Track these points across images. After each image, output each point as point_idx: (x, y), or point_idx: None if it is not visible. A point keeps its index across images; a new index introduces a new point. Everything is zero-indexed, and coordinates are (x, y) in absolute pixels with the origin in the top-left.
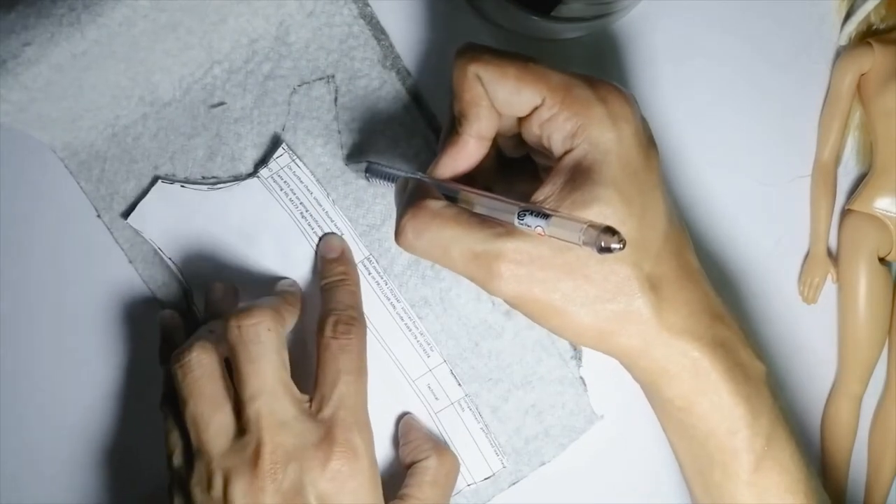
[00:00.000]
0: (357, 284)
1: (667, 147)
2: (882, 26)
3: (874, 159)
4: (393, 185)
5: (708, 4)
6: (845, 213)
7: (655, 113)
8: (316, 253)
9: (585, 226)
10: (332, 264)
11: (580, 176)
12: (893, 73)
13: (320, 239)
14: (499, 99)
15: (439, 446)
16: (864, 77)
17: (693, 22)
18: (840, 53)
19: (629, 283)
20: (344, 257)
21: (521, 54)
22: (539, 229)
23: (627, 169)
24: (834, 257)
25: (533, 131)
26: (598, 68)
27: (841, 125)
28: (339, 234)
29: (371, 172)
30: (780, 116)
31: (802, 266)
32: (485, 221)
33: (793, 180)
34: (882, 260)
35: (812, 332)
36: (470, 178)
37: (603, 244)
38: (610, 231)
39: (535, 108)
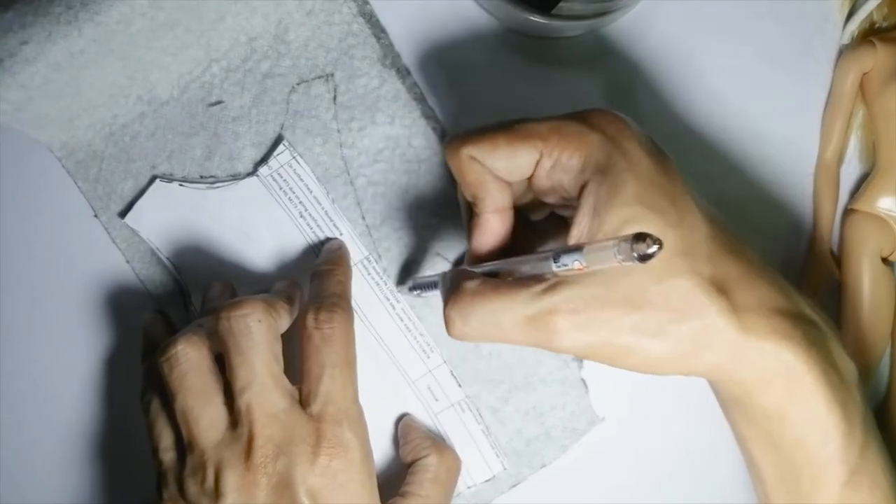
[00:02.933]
0: (346, 276)
1: (667, 146)
2: (885, 25)
3: (877, 158)
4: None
5: (709, 3)
6: (848, 212)
7: (656, 112)
8: (316, 256)
9: (617, 242)
10: (325, 258)
11: (603, 205)
12: None
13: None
14: (500, 169)
15: (439, 444)
16: (866, 76)
17: (694, 20)
18: (843, 52)
19: (694, 294)
20: (339, 253)
21: (503, 121)
22: (577, 264)
23: (647, 182)
24: (837, 257)
25: (543, 185)
26: (599, 67)
27: (844, 124)
28: (339, 234)
29: (418, 288)
30: (782, 115)
31: (804, 266)
32: (526, 283)
33: (795, 179)
34: (885, 260)
35: None
36: (509, 252)
37: (640, 252)
38: (641, 237)
39: (538, 163)
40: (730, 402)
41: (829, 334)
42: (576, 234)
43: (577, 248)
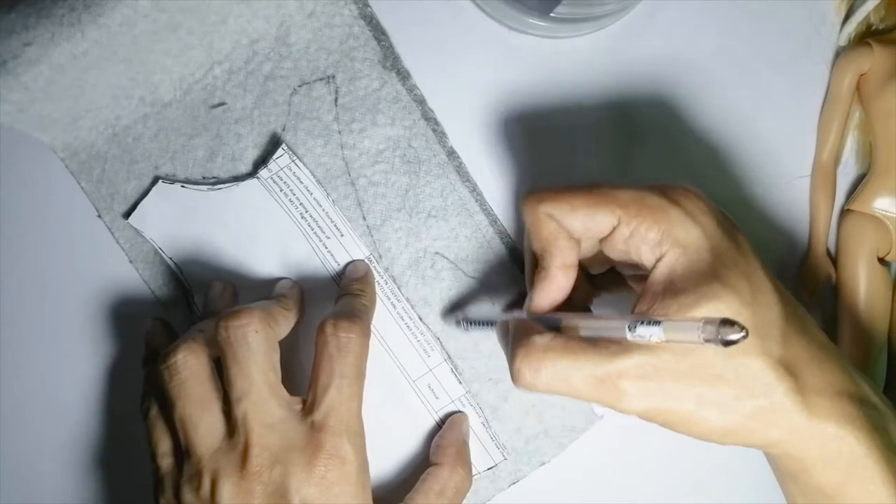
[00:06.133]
0: (372, 301)
1: (665, 148)
2: (881, 26)
3: (873, 159)
4: (492, 329)
5: (707, 5)
6: (845, 213)
7: (653, 114)
8: (318, 257)
9: (702, 323)
10: (352, 282)
11: (679, 279)
12: (893, 73)
13: (347, 265)
14: (576, 229)
15: (462, 458)
16: (863, 77)
17: (692, 22)
18: (839, 54)
19: (763, 374)
20: (366, 279)
21: (583, 183)
22: (654, 338)
23: (724, 260)
24: (834, 257)
25: (618, 248)
26: (597, 69)
27: (840, 125)
28: (339, 235)
29: (468, 323)
30: (779, 117)
31: (801, 266)
32: (597, 344)
33: (792, 180)
34: (881, 260)
35: None
36: (565, 301)
37: (725, 337)
38: (728, 322)
39: (614, 228)
40: (787, 476)
41: (891, 416)
42: (647, 303)
43: (656, 322)
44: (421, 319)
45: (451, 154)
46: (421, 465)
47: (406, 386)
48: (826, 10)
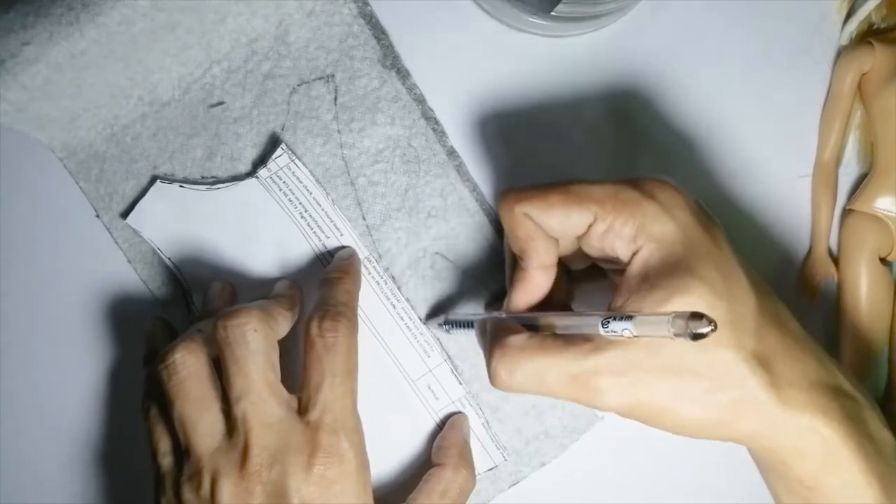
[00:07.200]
0: (355, 284)
1: (666, 148)
2: (883, 26)
3: (875, 159)
4: (473, 330)
5: (708, 3)
6: (846, 212)
7: (654, 113)
8: (317, 257)
9: (671, 317)
10: (331, 270)
11: (654, 274)
12: (894, 72)
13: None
14: (552, 228)
15: (465, 459)
16: (864, 77)
17: (693, 21)
18: (841, 53)
19: (736, 366)
20: (349, 262)
21: (559, 181)
22: (626, 332)
23: (698, 253)
24: (835, 257)
25: (594, 245)
26: (598, 68)
27: (842, 125)
28: (339, 234)
29: (450, 325)
30: (780, 116)
31: (803, 266)
32: (571, 342)
33: (793, 180)
34: (883, 260)
35: (812, 332)
36: (545, 299)
37: (694, 330)
38: (697, 316)
39: (590, 225)
40: (767, 470)
41: (867, 407)
42: (622, 298)
43: (628, 317)
44: (421, 320)
45: (451, 153)
46: (421, 467)
47: (406, 387)
48: (827, 9)
